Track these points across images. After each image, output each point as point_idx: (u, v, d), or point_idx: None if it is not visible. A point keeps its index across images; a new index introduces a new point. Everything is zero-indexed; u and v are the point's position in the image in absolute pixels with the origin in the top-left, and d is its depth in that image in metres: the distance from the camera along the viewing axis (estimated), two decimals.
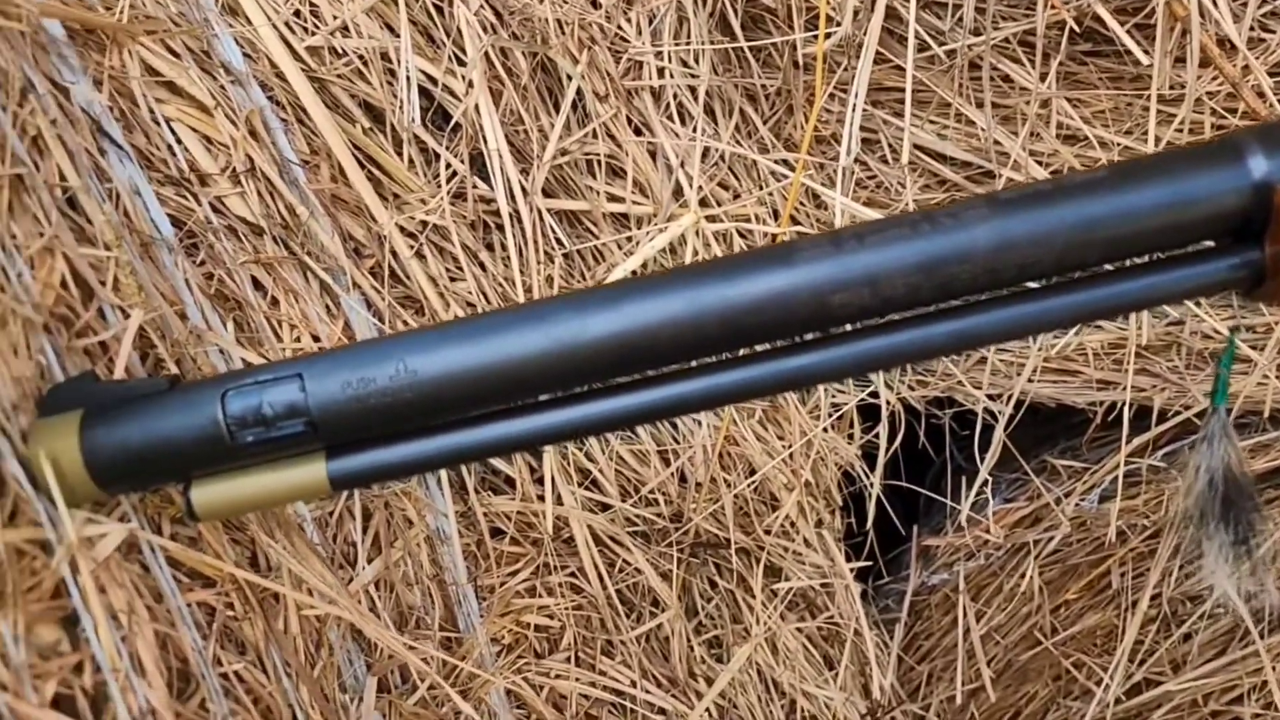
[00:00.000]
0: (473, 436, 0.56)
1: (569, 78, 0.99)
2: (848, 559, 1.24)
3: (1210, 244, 0.51)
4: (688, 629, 1.07)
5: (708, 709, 1.06)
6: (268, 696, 0.63)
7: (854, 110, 0.99)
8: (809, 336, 0.52)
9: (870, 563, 1.30)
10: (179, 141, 0.76)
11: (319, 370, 0.52)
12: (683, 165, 1.03)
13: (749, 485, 1.09)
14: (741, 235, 1.04)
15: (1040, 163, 1.08)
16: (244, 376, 0.53)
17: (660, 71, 1.04)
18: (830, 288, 0.49)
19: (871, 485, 1.22)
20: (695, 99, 1.05)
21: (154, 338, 0.65)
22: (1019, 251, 0.48)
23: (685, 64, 1.05)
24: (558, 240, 0.96)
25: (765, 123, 1.11)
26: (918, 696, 1.37)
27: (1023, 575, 1.29)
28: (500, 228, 0.93)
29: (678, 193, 1.04)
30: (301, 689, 0.67)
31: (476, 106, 0.92)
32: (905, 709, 1.34)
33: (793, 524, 1.17)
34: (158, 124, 0.75)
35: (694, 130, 1.04)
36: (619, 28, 1.04)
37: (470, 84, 0.91)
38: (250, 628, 0.64)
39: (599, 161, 1.02)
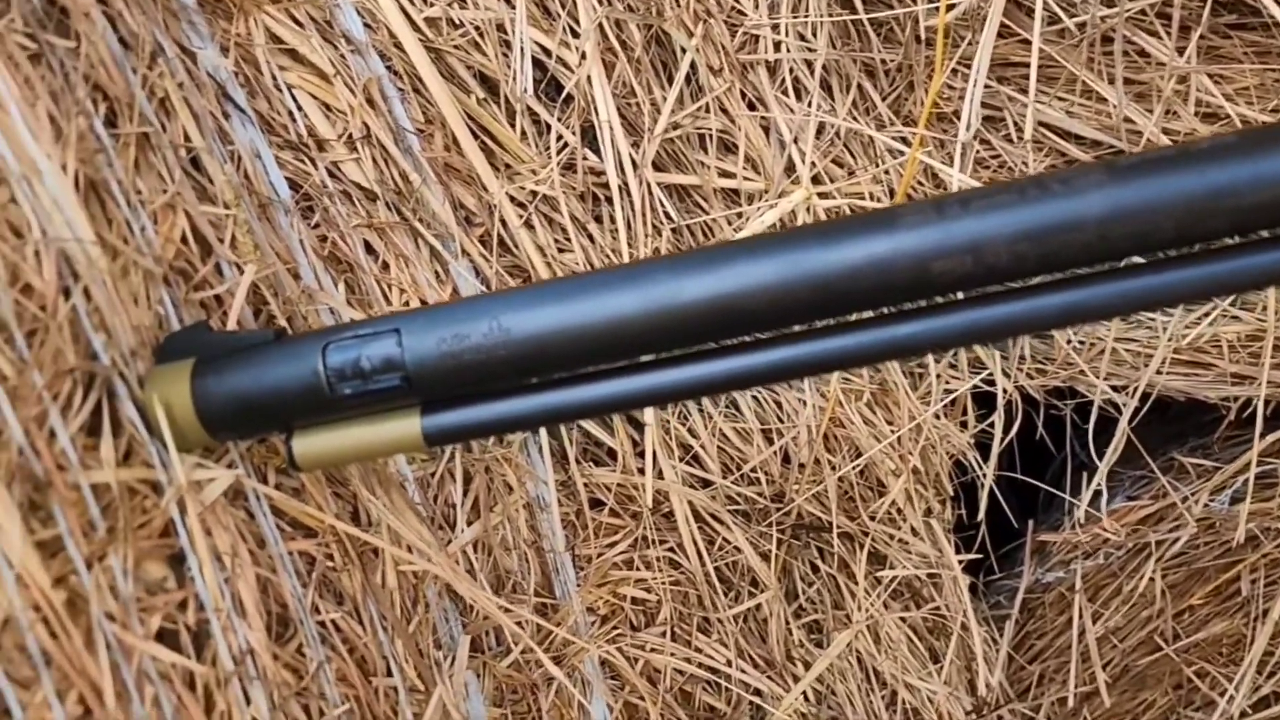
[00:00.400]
0: (568, 397, 0.56)
1: (683, 50, 0.99)
2: (957, 551, 1.20)
3: None
4: (786, 611, 1.06)
5: (804, 693, 1.05)
6: (363, 647, 0.65)
7: (975, 85, 0.96)
8: (909, 305, 0.51)
9: (981, 556, 1.26)
10: (299, 107, 0.79)
11: (416, 326, 0.53)
12: (796, 141, 1.01)
13: (854, 469, 1.06)
14: (854, 213, 1.01)
15: (1176, 143, 1.02)
16: (345, 331, 0.54)
17: (776, 45, 1.03)
18: (932, 254, 0.47)
19: (984, 476, 1.18)
20: (811, 73, 1.03)
21: (266, 295, 0.67)
22: (1136, 220, 0.45)
23: (802, 38, 1.03)
24: (666, 214, 0.96)
25: (884, 99, 1.08)
26: (1027, 697, 1.33)
27: (1144, 577, 1.23)
28: (609, 200, 0.93)
29: (790, 169, 1.02)
30: (396, 642, 0.68)
31: (589, 78, 0.92)
32: (1013, 708, 1.29)
33: (899, 511, 1.14)
34: (279, 90, 0.77)
35: (809, 105, 1.02)
36: (735, 1, 1.03)
37: (583, 55, 0.91)
38: (349, 579, 0.66)
39: (711, 136, 1.01)
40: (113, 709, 0.48)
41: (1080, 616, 1.28)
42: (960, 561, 1.21)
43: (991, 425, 1.18)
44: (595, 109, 0.92)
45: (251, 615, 0.57)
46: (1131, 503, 1.23)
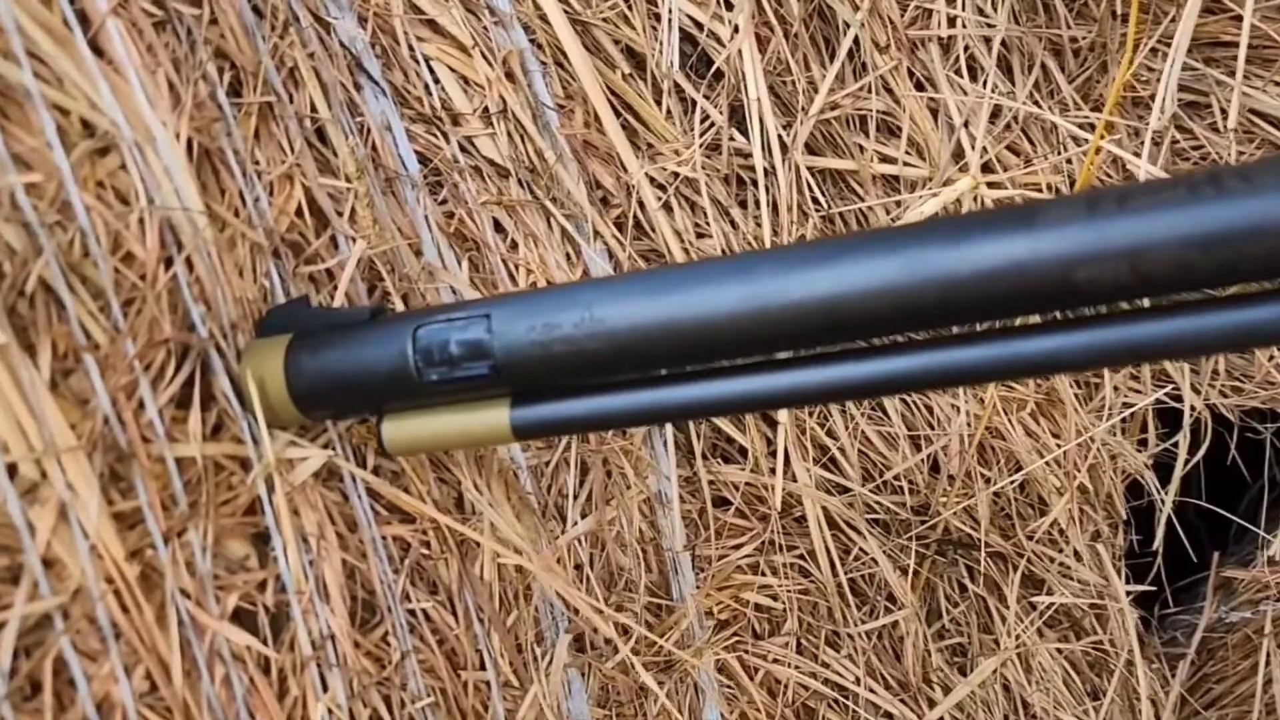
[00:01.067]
0: (666, 395, 0.52)
1: (847, 25, 0.92)
2: (1126, 581, 1.09)
3: None
4: (926, 631, 0.99)
5: (941, 719, 0.98)
6: (454, 639, 0.63)
7: (1172, 65, 0.85)
8: (1050, 316, 0.44)
9: (1155, 589, 1.14)
10: (436, 80, 0.77)
11: (506, 311, 0.50)
12: (966, 125, 0.93)
13: (1011, 484, 0.98)
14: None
15: None
16: (437, 314, 0.52)
17: (951, 21, 0.94)
18: (1078, 259, 0.40)
19: (1163, 501, 1.07)
20: (989, 51, 0.94)
21: (382, 271, 0.66)
22: None
23: (981, 12, 0.94)
24: (814, 200, 0.89)
25: (1071, 81, 0.98)
26: None
27: None
28: (754, 183, 0.88)
29: (958, 155, 0.94)
30: (493, 636, 0.66)
31: (740, 53, 0.87)
32: None
33: (1061, 533, 1.05)
34: (416, 62, 0.76)
35: (984, 86, 0.94)
36: None
37: (735, 29, 0.86)
38: (445, 568, 0.64)
39: (872, 117, 0.94)
40: (179, 687, 0.47)
41: (1267, 664, 1.14)
42: (1130, 593, 1.10)
43: (1175, 445, 1.06)
44: (745, 87, 0.87)
45: (335, 600, 0.56)
46: None
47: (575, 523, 0.77)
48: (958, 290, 0.43)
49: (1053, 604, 1.04)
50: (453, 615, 0.64)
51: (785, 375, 0.50)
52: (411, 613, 0.61)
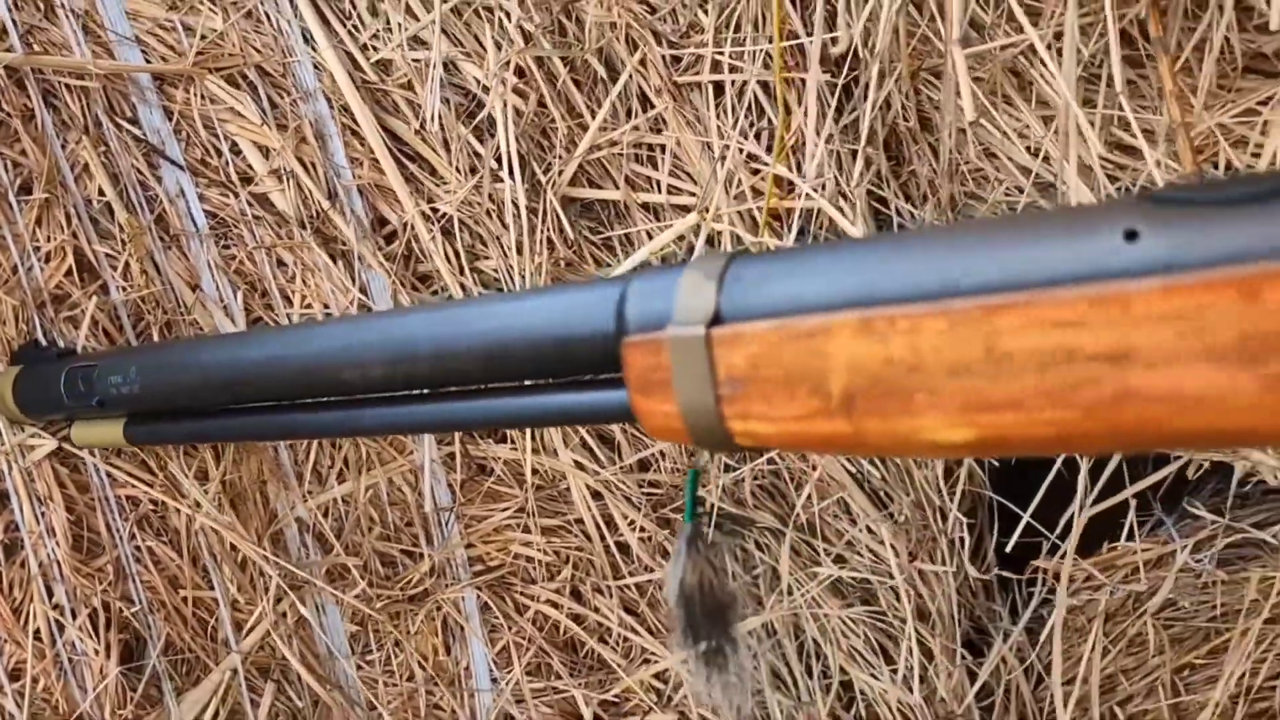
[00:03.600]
0: (239, 422, 0.75)
1: (606, 81, 1.07)
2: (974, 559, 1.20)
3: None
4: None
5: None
6: (174, 567, 0.91)
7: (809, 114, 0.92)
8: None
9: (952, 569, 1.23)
10: (237, 151, 1.02)
11: (106, 366, 0.76)
12: (723, 159, 1.06)
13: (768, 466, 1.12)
14: (737, 240, 1.04)
15: None
16: (80, 360, 0.78)
17: (716, 65, 1.07)
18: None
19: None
20: (740, 99, 1.06)
21: (145, 310, 0.93)
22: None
23: (740, 58, 1.06)
24: (561, 232, 1.07)
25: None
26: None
27: (1129, 623, 1.13)
28: (517, 217, 1.07)
29: (688, 193, 1.07)
30: (224, 567, 0.94)
31: (509, 106, 1.05)
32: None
33: (847, 510, 1.18)
34: (216, 138, 1.01)
35: (733, 128, 1.06)
36: (686, 26, 1.08)
37: (486, 88, 1.04)
38: (177, 519, 0.92)
39: (643, 156, 1.09)
40: None
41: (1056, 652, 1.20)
42: (952, 571, 1.20)
43: None
44: (508, 135, 1.06)
45: (60, 536, 0.85)
46: (1130, 543, 1.13)
47: (334, 486, 1.02)
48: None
49: (830, 576, 1.18)
50: (176, 551, 0.91)
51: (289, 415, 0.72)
52: (139, 548, 0.90)
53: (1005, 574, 1.27)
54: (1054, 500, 1.20)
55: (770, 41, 1.02)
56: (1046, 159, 0.93)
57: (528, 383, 0.57)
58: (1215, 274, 0.37)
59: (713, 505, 1.14)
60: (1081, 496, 1.15)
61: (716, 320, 0.47)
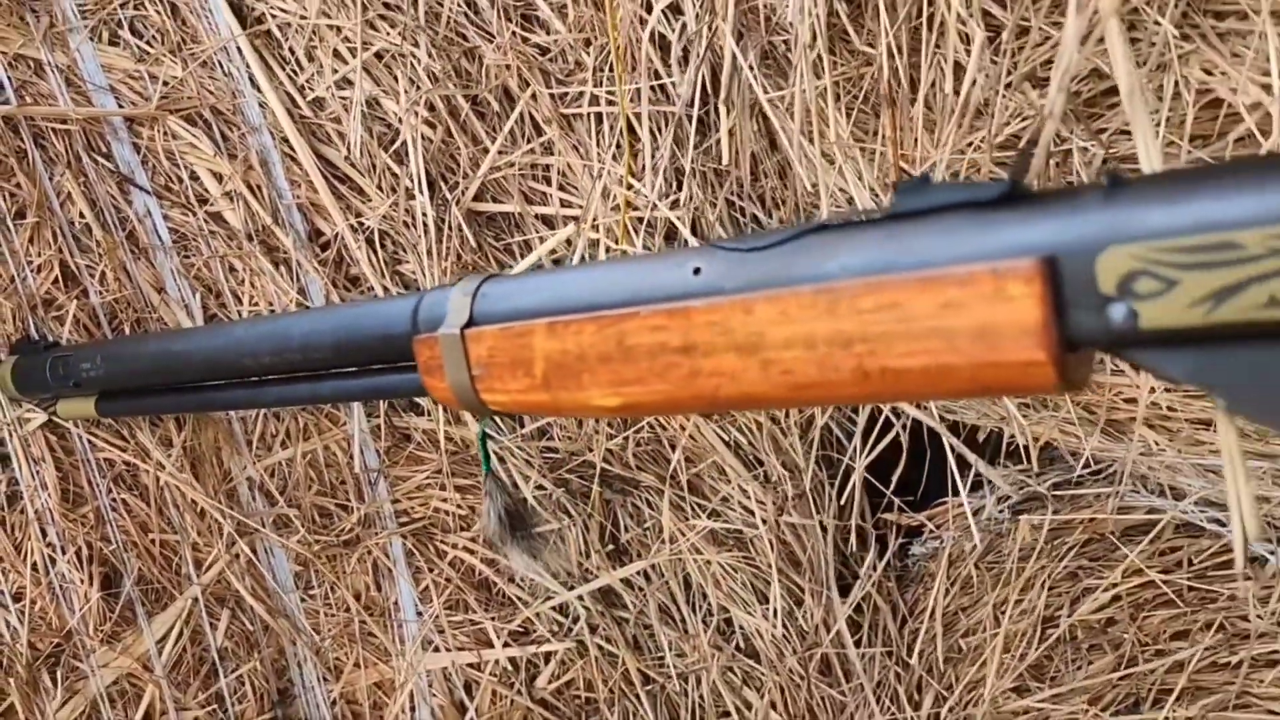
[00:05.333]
0: (193, 399, 0.98)
1: (503, 113, 1.29)
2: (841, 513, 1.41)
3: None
4: (587, 536, 1.38)
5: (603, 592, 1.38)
6: (144, 515, 1.14)
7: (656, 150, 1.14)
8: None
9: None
10: (194, 177, 1.24)
11: (82, 354, 0.98)
12: (601, 176, 1.27)
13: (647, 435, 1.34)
14: (609, 250, 1.25)
15: None
16: (64, 351, 1.01)
17: (594, 99, 1.28)
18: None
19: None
20: (610, 129, 1.27)
21: (118, 310, 1.15)
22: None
23: (612, 94, 1.26)
24: (464, 241, 1.28)
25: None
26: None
27: (960, 567, 1.34)
28: (428, 229, 1.28)
29: (577, 206, 1.28)
30: (186, 516, 1.16)
31: (420, 135, 1.26)
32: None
33: (721, 473, 1.39)
34: (177, 167, 1.23)
35: (606, 152, 1.27)
36: (571, 62, 1.29)
37: (415, 115, 1.26)
38: (146, 477, 1.14)
39: (538, 175, 1.31)
40: None
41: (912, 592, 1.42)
42: (816, 523, 1.41)
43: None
44: (423, 159, 1.27)
45: (51, 489, 1.08)
46: (957, 498, 1.33)
47: (278, 451, 1.25)
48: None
49: (706, 528, 1.39)
50: (145, 503, 1.14)
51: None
52: (115, 499, 1.12)
53: (862, 524, 1.48)
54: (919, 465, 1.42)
55: (637, 81, 1.23)
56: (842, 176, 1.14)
57: (373, 367, 0.79)
58: (741, 295, 0.58)
59: (600, 468, 1.35)
60: (924, 459, 1.36)
61: (470, 324, 0.68)
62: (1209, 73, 0.75)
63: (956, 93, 0.92)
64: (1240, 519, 0.47)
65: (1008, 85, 0.90)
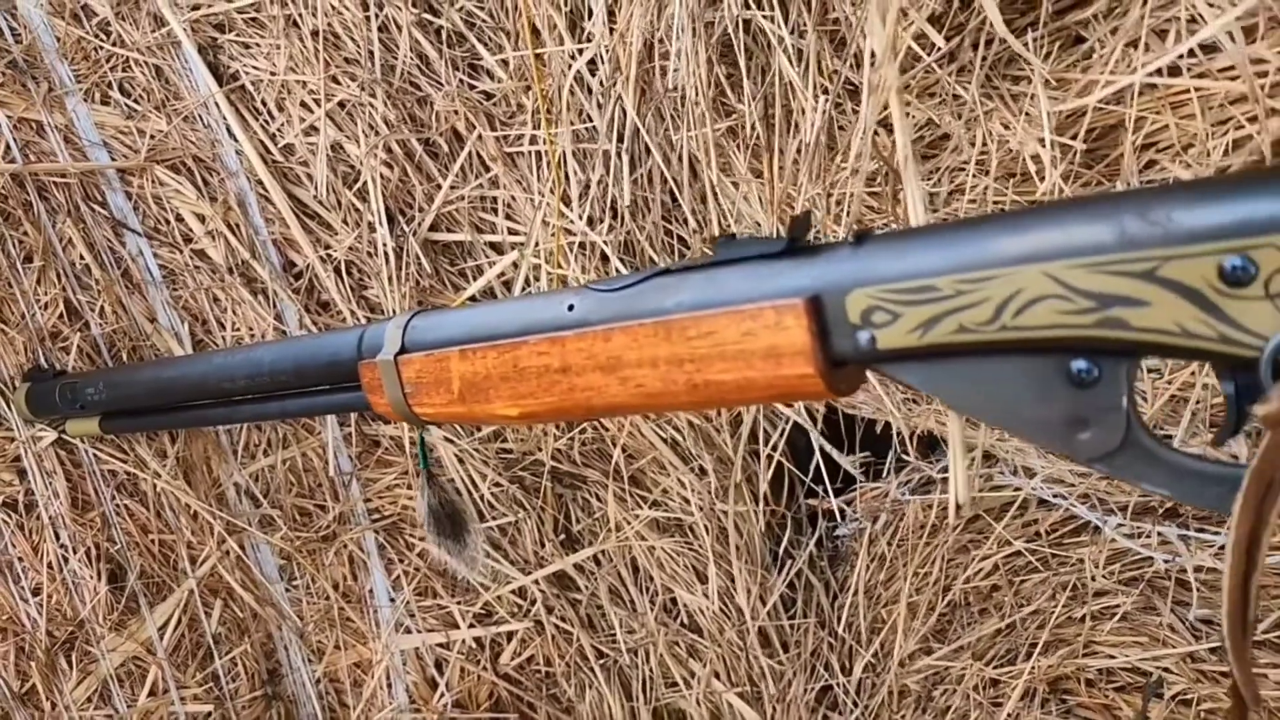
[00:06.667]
0: (186, 415, 1.14)
1: (452, 154, 1.45)
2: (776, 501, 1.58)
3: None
4: (541, 527, 1.54)
5: (557, 577, 1.54)
6: (144, 518, 1.30)
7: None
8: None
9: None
10: (180, 219, 1.41)
11: (91, 381, 1.15)
12: (541, 208, 1.43)
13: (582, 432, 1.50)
14: (549, 271, 1.42)
15: None
16: (73, 379, 1.17)
17: (532, 139, 1.44)
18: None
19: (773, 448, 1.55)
20: (547, 165, 1.43)
21: (116, 339, 1.32)
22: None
23: (552, 134, 1.43)
24: (419, 266, 1.44)
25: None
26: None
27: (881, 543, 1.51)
28: (389, 258, 1.45)
29: (523, 233, 1.45)
30: (181, 517, 1.33)
31: (379, 175, 1.43)
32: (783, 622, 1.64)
33: (661, 467, 1.55)
34: (165, 211, 1.40)
35: (547, 187, 1.43)
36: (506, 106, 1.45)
37: (375, 157, 1.42)
38: (145, 485, 1.31)
39: (473, 208, 1.47)
40: None
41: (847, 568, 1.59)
42: (748, 511, 1.58)
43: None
44: (377, 197, 1.43)
45: (62, 498, 1.24)
46: (870, 484, 1.50)
47: (260, 458, 1.41)
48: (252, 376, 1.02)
49: (652, 517, 1.56)
50: (145, 507, 1.30)
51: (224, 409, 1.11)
52: (118, 505, 1.29)
53: (782, 510, 1.64)
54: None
55: (570, 124, 1.40)
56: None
57: (328, 387, 0.95)
58: (603, 327, 0.74)
59: (552, 464, 1.52)
60: (834, 450, 1.52)
61: (402, 351, 0.85)
62: (1006, 126, 0.91)
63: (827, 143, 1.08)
64: (955, 489, 0.63)
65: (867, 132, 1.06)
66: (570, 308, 0.76)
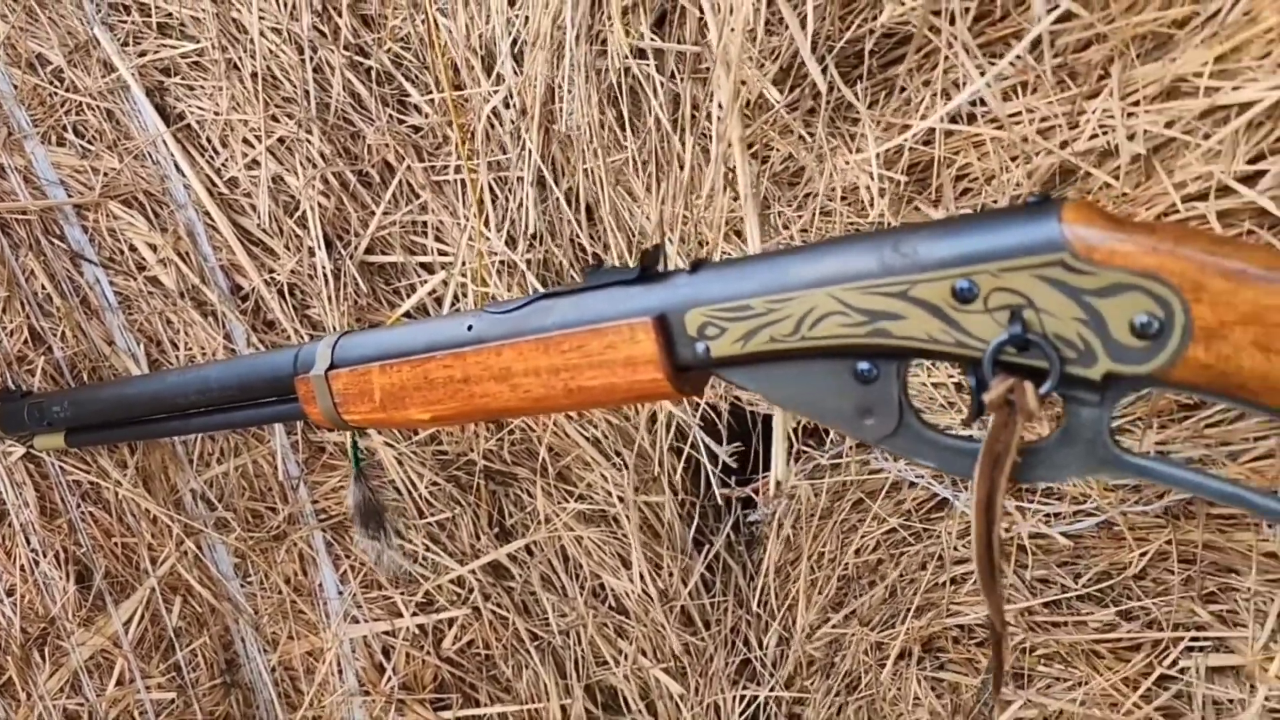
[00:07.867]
0: (146, 429, 1.27)
1: (383, 183, 1.59)
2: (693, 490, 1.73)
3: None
4: (479, 522, 1.69)
5: (496, 564, 1.68)
6: (108, 524, 1.43)
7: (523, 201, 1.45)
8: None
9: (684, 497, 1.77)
10: (132, 248, 1.53)
11: (51, 400, 1.27)
12: (466, 231, 1.58)
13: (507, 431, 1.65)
14: (470, 294, 1.56)
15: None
16: (39, 398, 1.30)
17: (456, 169, 1.58)
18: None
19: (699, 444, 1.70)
20: (473, 190, 1.58)
21: (78, 363, 1.44)
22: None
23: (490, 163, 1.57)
24: (356, 287, 1.58)
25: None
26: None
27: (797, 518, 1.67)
28: (327, 280, 1.58)
29: (452, 254, 1.59)
30: (141, 523, 1.46)
31: (317, 204, 1.56)
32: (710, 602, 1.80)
33: (586, 464, 1.70)
34: (120, 250, 1.52)
35: (476, 216, 1.57)
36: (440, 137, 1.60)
37: (313, 187, 1.56)
38: (108, 493, 1.44)
39: (405, 232, 1.61)
40: None
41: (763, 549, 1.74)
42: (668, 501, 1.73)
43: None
44: (316, 224, 1.57)
45: (31, 506, 1.37)
46: (760, 474, 1.66)
47: (215, 466, 1.54)
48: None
49: (578, 510, 1.70)
50: (108, 513, 1.43)
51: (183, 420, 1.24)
52: (84, 512, 1.41)
53: (695, 499, 1.80)
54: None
55: (489, 155, 1.54)
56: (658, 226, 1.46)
57: (269, 400, 1.09)
58: (496, 343, 0.89)
59: (484, 464, 1.66)
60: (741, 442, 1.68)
61: (331, 367, 0.99)
62: (848, 163, 1.07)
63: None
64: (775, 469, 0.79)
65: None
66: (469, 328, 0.91)
